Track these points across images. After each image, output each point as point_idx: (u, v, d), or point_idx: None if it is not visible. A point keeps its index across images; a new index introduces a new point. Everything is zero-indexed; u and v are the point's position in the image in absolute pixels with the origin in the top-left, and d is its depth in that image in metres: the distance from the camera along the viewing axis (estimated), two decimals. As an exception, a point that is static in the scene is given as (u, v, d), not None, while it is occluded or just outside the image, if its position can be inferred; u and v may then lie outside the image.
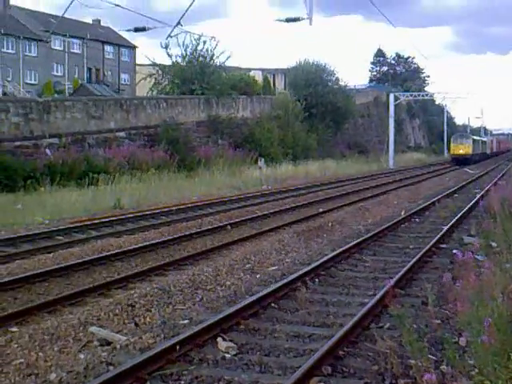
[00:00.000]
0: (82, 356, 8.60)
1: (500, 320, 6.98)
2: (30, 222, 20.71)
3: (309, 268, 13.25)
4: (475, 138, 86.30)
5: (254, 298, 10.75)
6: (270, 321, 10.06)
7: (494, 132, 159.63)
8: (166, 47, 50.30)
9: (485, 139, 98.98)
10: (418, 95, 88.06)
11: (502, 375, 5.82)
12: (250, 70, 70.60)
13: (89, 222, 20.64)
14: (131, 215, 22.45)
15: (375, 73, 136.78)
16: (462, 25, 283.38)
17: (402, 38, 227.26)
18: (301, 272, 12.82)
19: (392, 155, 69.82)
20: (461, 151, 76.31)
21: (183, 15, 39.11)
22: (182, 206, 25.28)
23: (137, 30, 42.93)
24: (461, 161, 74.04)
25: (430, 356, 7.87)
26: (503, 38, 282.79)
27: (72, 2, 31.80)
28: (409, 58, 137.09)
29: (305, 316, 10.36)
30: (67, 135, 34.60)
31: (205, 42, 50.89)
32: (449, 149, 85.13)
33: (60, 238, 18.30)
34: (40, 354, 8.78)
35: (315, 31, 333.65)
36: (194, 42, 50.92)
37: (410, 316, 9.26)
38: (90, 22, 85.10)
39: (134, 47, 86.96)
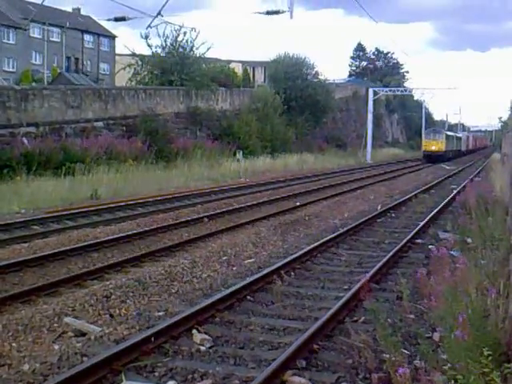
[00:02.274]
0: (56, 347, 8.57)
1: (473, 315, 7.04)
2: (6, 212, 20.56)
3: (285, 261, 13.28)
4: (449, 133, 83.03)
5: (229, 290, 10.77)
6: (245, 313, 10.07)
7: (472, 129, 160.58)
8: (146, 37, 50.03)
9: (460, 135, 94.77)
10: (397, 90, 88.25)
11: (474, 370, 5.87)
12: (229, 62, 70.36)
13: (65, 212, 20.54)
14: (108, 206, 22.36)
15: (355, 67, 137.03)
16: (442, 21, 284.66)
17: (382, 33, 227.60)
18: (277, 265, 12.84)
19: (370, 150, 70.02)
20: (433, 147, 72.46)
21: (164, 5, 38.90)
22: (159, 198, 25.23)
23: (117, 19, 42.64)
24: (433, 158, 70.77)
25: (403, 350, 7.92)
26: (483, 35, 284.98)
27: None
28: (388, 53, 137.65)
29: (280, 309, 10.39)
30: (45, 124, 34.29)
31: (185, 33, 50.64)
32: (421, 145, 79.35)
33: (36, 227, 18.20)
34: (13, 344, 8.73)
35: (296, 25, 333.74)
36: (174, 33, 50.69)
37: (384, 310, 9.32)
38: (70, 10, 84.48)
39: (113, 37, 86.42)
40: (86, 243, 15.63)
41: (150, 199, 24.57)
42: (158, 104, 45.01)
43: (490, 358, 5.88)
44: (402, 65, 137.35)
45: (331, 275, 12.98)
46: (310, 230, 18.99)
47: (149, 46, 50.86)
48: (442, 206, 24.06)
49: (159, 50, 51.03)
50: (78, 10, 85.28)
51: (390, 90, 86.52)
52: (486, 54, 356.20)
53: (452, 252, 12.38)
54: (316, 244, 15.43)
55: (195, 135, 47.82)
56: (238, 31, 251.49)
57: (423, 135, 77.01)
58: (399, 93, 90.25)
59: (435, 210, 22.45)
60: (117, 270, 13.23)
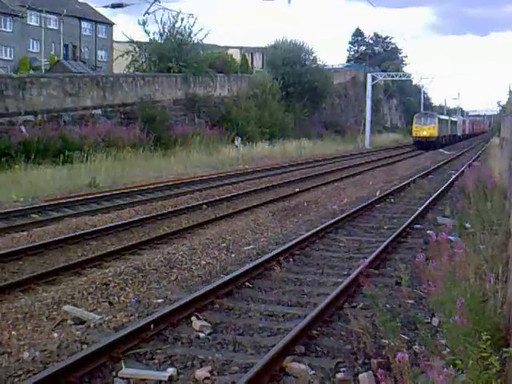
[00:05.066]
0: (55, 335, 8.57)
1: (472, 300, 7.04)
2: (5, 200, 20.54)
3: (284, 247, 13.30)
4: (442, 117, 77.38)
5: (228, 277, 10.78)
6: (244, 300, 10.09)
7: (471, 113, 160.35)
8: (144, 24, 49.82)
9: (455, 119, 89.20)
10: (396, 75, 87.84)
11: (472, 355, 5.87)
12: (228, 48, 70.15)
13: (64, 200, 20.51)
14: (106, 193, 22.35)
15: (353, 52, 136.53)
16: (442, 5, 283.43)
17: (381, 18, 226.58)
18: (276, 251, 12.86)
19: (368, 135, 69.86)
20: (424, 133, 66.34)
21: (161, -8, 38.88)
22: (157, 185, 25.21)
23: (114, 6, 42.60)
24: (424, 144, 65.43)
25: (402, 336, 7.93)
26: (483, 19, 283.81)
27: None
28: (387, 37, 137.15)
29: (279, 295, 10.40)
30: (43, 112, 34.20)
31: (183, 19, 50.51)
32: (410, 130, 73.29)
33: (35, 216, 18.20)
34: (13, 332, 8.74)
35: (294, 10, 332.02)
36: (171, 19, 50.54)
37: (383, 296, 9.33)
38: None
39: (111, 24, 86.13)
40: (84, 231, 15.64)
41: (149, 186, 24.54)
42: (156, 91, 44.89)
43: (488, 342, 5.88)
44: (400, 50, 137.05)
45: (330, 261, 12.99)
46: (308, 216, 18.98)
47: (146, 32, 50.69)
48: (440, 191, 24.09)
49: (157, 37, 50.90)
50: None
51: (389, 75, 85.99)
52: (485, 38, 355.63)
53: (451, 237, 12.37)
54: (315, 230, 15.44)
55: (193, 122, 47.73)
56: (236, 17, 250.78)
57: (413, 119, 71.01)
58: (398, 78, 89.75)
59: (434, 196, 22.47)
60: (116, 258, 13.25)
